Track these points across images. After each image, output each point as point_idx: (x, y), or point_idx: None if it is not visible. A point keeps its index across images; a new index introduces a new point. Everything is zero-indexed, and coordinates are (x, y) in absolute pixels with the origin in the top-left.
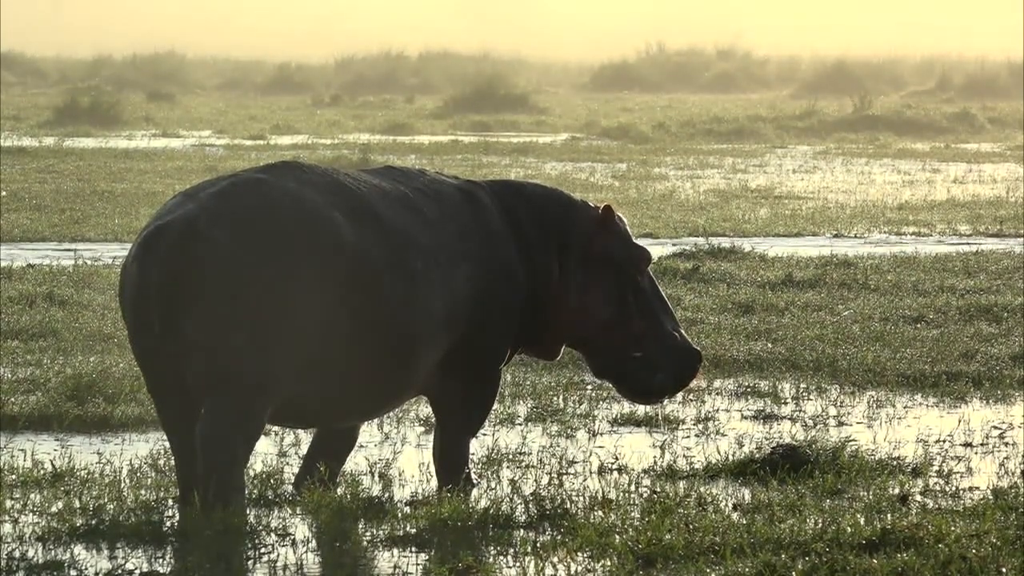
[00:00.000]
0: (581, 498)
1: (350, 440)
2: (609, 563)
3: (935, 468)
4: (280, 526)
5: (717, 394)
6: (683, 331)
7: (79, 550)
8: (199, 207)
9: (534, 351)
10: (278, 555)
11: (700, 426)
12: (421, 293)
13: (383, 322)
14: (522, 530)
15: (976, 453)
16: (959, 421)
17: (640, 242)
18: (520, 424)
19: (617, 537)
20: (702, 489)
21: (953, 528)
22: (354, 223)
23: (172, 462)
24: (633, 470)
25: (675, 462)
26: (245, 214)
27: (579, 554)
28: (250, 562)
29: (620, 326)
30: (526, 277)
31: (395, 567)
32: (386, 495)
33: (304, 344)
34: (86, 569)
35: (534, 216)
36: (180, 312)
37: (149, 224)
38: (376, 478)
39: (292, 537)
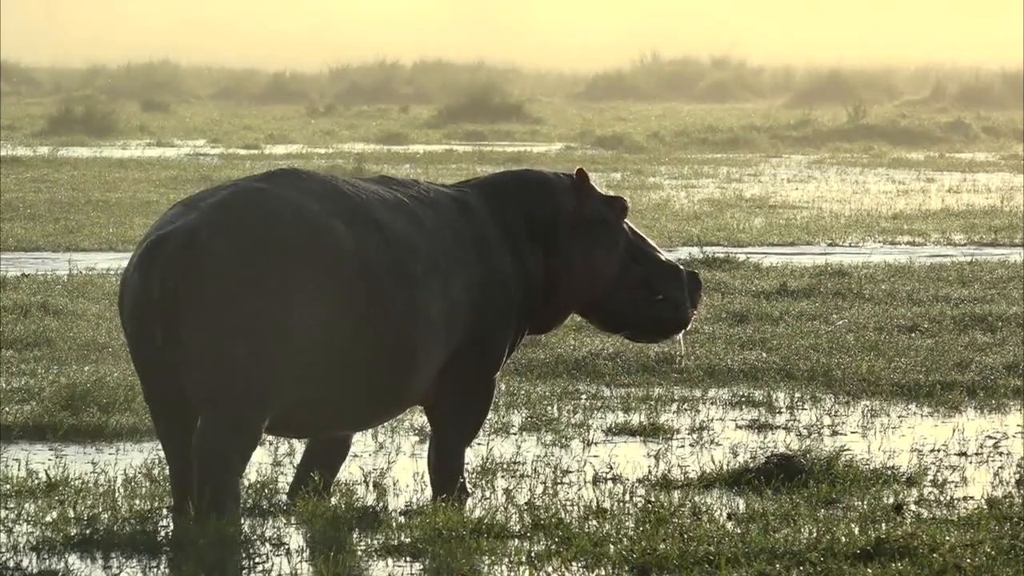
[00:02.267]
0: (576, 508)
1: (343, 450)
2: (604, 573)
3: (929, 478)
4: (274, 536)
5: (712, 404)
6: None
7: (73, 560)
8: (200, 217)
9: (537, 330)
10: (272, 565)
11: (694, 436)
12: (421, 301)
13: (384, 331)
14: (516, 540)
15: (971, 463)
16: (954, 431)
17: None
18: (515, 433)
19: (612, 547)
20: (697, 499)
21: (948, 538)
22: (354, 231)
23: (167, 471)
24: (628, 479)
25: (669, 472)
26: (245, 225)
27: (574, 564)
28: (244, 572)
29: (627, 276)
30: (521, 279)
31: None
32: (380, 504)
33: (304, 354)
34: None
35: (519, 211)
36: (180, 322)
37: (149, 234)
38: (370, 488)
39: (287, 547)
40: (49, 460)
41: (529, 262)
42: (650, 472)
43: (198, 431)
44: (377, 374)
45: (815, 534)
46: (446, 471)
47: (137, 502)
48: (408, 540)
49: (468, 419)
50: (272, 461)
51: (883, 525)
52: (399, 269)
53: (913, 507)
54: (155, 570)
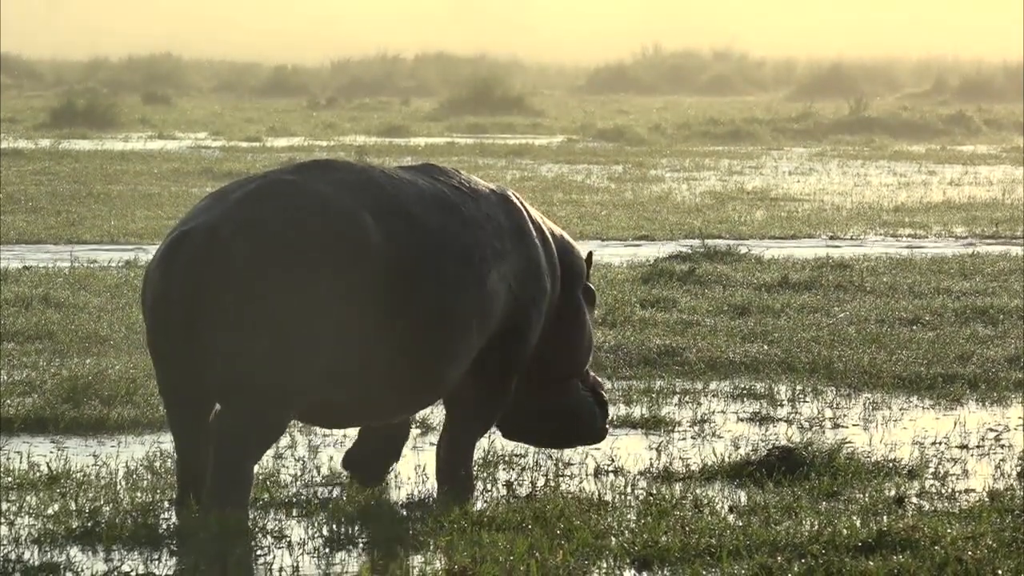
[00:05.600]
0: (577, 500)
1: (404, 433)
2: (605, 565)
3: (931, 470)
4: (276, 528)
5: (713, 396)
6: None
7: (75, 552)
8: (223, 213)
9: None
10: (274, 557)
11: (696, 428)
12: (453, 295)
13: (414, 325)
14: (518, 532)
15: (972, 455)
16: (955, 423)
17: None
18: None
19: (613, 539)
20: (698, 491)
21: (949, 530)
22: (384, 224)
23: (168, 464)
24: (629, 472)
25: (671, 464)
26: (268, 220)
27: (575, 556)
28: (246, 565)
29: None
30: (551, 279)
31: (390, 569)
32: (382, 497)
33: (329, 350)
34: (82, 571)
35: (554, 237)
36: (202, 318)
37: (175, 229)
38: None
39: (288, 539)
40: (51, 453)
41: (553, 278)
42: (652, 465)
43: (218, 415)
44: (406, 368)
45: (817, 527)
46: (456, 460)
47: (139, 495)
48: (410, 532)
49: (487, 410)
50: (274, 454)
51: (885, 518)
52: (430, 263)
53: (915, 500)
54: (157, 563)
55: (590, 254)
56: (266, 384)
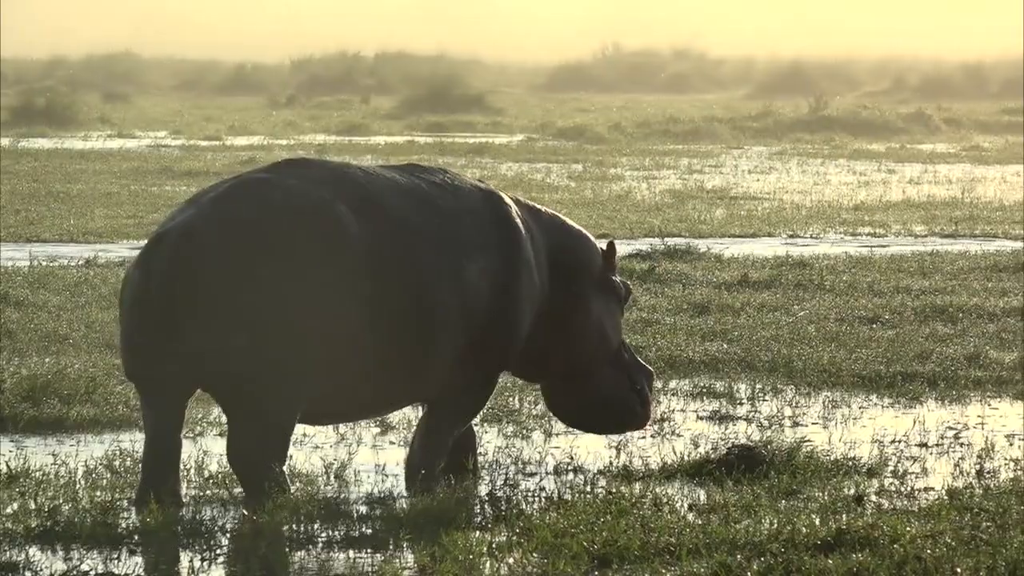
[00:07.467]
0: (537, 499)
1: (469, 431)
2: (565, 564)
3: (890, 468)
4: (235, 527)
5: (673, 395)
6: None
7: (34, 551)
8: (197, 213)
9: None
10: (233, 556)
11: (656, 427)
12: (430, 285)
13: (392, 316)
14: (478, 531)
15: (931, 453)
16: (914, 421)
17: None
18: (476, 425)
19: (573, 538)
20: (658, 490)
21: (908, 528)
22: (359, 216)
23: (128, 463)
24: (589, 471)
25: (631, 463)
26: (241, 217)
27: (535, 555)
28: (205, 563)
29: (617, 356)
30: (539, 274)
31: (351, 567)
32: (342, 496)
33: (310, 343)
34: (41, 570)
35: (545, 230)
36: (181, 317)
37: (154, 232)
38: (332, 479)
39: (248, 538)
40: (10, 452)
41: (541, 273)
42: (611, 463)
43: (229, 433)
44: (388, 361)
45: (776, 525)
46: (428, 450)
47: (98, 494)
48: (369, 531)
49: (468, 402)
50: None
51: (844, 516)
52: (407, 255)
53: (874, 498)
54: (116, 562)
55: (610, 244)
56: (255, 379)
